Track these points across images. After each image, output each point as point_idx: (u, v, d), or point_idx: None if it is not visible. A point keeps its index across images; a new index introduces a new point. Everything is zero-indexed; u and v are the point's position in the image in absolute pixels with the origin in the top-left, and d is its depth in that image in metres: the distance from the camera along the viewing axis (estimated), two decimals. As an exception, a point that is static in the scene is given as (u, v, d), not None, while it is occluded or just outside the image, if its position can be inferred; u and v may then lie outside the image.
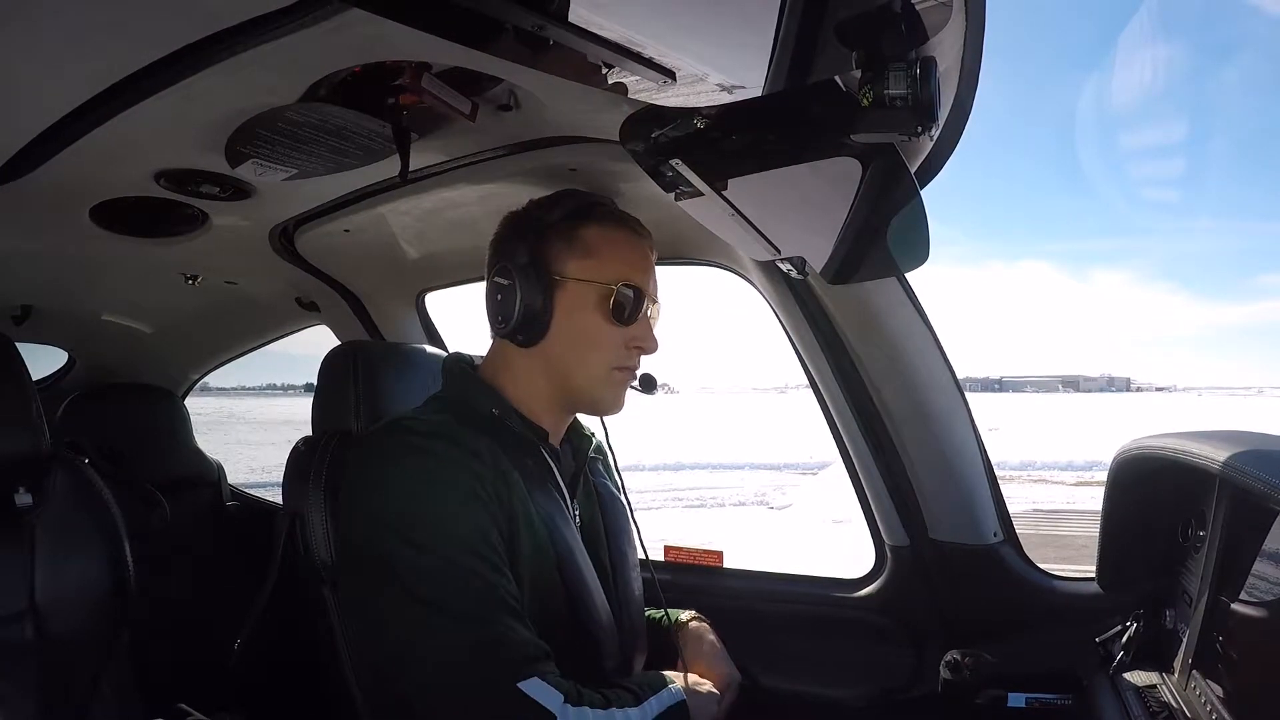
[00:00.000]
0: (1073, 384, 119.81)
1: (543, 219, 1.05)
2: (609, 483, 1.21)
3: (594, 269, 1.03)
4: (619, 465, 1.24)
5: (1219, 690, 0.94)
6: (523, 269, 1.02)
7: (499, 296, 1.04)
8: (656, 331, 1.09)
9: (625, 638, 1.08)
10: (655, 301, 1.09)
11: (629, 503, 1.24)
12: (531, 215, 1.07)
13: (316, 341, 2.33)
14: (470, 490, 0.94)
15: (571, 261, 1.03)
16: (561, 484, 1.08)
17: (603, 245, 1.05)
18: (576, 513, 1.10)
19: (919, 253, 0.99)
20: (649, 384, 1.11)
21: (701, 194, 1.02)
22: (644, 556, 1.19)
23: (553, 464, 1.07)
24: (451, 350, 1.22)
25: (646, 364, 1.11)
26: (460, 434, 0.99)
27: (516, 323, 1.02)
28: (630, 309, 1.04)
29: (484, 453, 0.98)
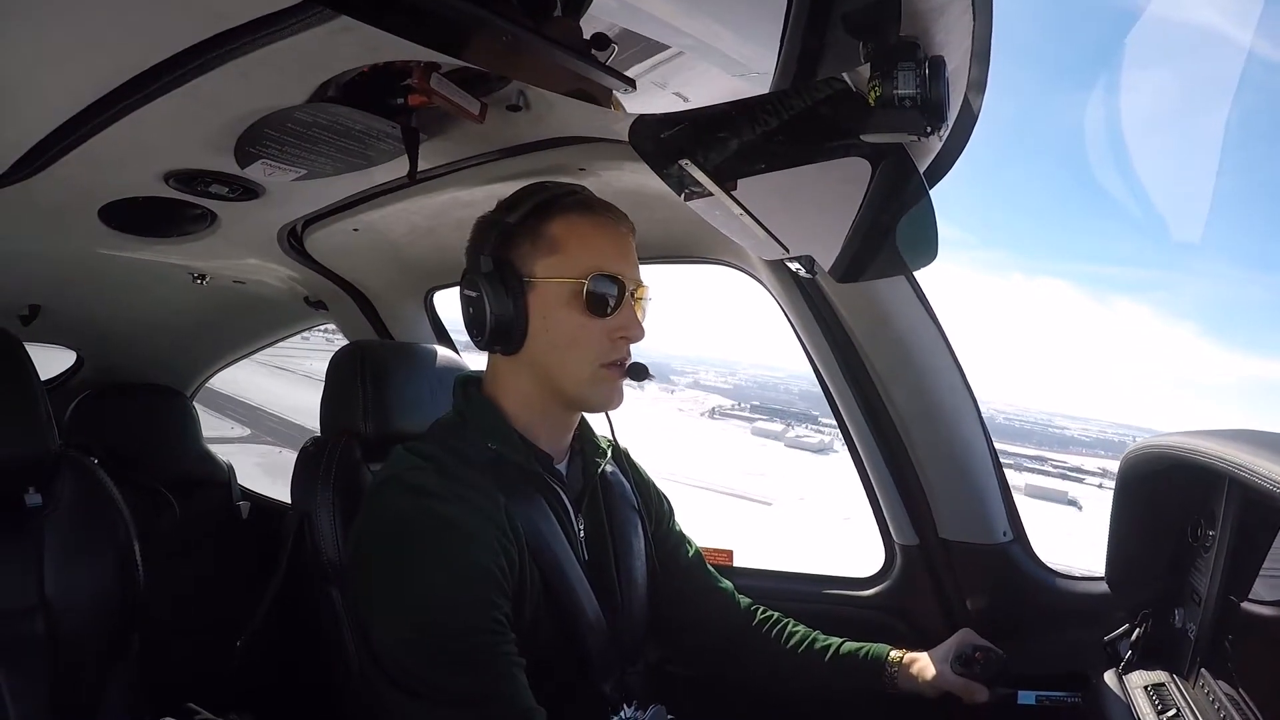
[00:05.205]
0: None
1: (506, 221, 1.02)
2: (625, 481, 1.19)
3: (563, 264, 1.00)
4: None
5: (1228, 689, 0.94)
6: (488, 277, 1.00)
7: (470, 310, 1.02)
8: (645, 317, 1.06)
9: (623, 632, 1.09)
10: (639, 284, 1.05)
11: (664, 497, 1.27)
12: (495, 219, 1.04)
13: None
14: (477, 554, 0.92)
15: (539, 261, 1.00)
16: (567, 503, 1.06)
17: (569, 238, 1.01)
18: (582, 526, 1.08)
19: (927, 252, 0.99)
20: (639, 373, 1.05)
21: (711, 193, 1.01)
22: (656, 565, 1.19)
23: (558, 488, 1.05)
24: (461, 348, 1.22)
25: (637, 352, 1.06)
26: (458, 486, 0.96)
27: (491, 333, 1.00)
28: (607, 299, 1.00)
29: (483, 495, 0.96)
